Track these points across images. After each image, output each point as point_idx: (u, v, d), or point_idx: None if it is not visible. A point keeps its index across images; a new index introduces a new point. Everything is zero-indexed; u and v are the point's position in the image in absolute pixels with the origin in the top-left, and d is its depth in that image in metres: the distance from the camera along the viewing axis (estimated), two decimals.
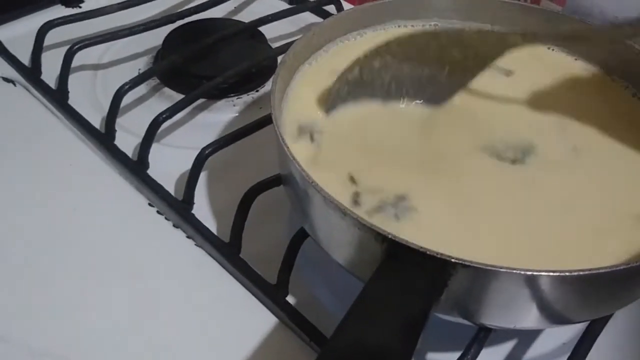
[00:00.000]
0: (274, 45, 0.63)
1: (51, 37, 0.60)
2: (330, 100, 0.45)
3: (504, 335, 0.43)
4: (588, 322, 0.40)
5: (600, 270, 0.32)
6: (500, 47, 0.47)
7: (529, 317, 0.35)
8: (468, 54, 0.46)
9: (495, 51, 0.47)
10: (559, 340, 0.43)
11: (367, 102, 0.46)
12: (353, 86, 0.45)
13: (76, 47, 0.57)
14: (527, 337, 0.43)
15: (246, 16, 0.67)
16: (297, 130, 0.44)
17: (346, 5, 0.68)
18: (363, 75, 0.46)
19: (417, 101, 0.47)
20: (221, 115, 0.57)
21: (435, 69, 0.46)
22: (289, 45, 0.45)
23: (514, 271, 0.32)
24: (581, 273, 0.32)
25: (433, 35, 0.47)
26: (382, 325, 0.30)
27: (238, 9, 0.70)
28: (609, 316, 0.40)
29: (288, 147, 0.38)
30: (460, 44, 0.46)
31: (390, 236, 0.33)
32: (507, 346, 0.43)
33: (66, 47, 0.58)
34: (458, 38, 0.47)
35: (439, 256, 0.32)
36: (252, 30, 0.62)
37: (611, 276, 0.33)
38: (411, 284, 0.32)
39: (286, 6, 0.70)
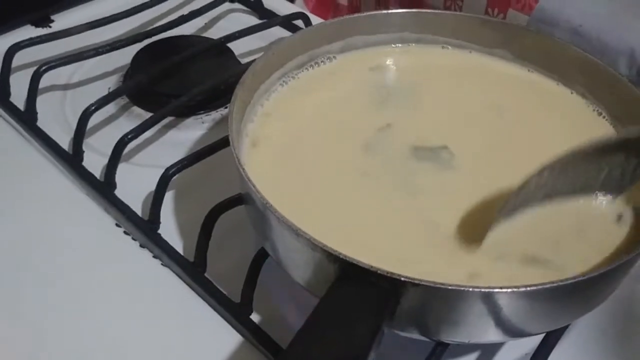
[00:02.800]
0: (244, 60, 0.64)
1: (20, 58, 0.61)
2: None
3: (466, 347, 0.44)
4: (545, 333, 0.41)
5: (547, 285, 0.33)
6: None
7: (482, 331, 0.36)
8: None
9: None
10: (522, 350, 0.44)
11: None
12: None
13: (43, 68, 0.57)
14: (489, 349, 0.44)
15: (215, 32, 0.68)
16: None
17: (314, 19, 0.69)
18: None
19: None
20: (190, 133, 0.58)
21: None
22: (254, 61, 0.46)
23: (463, 288, 0.33)
24: (529, 289, 0.33)
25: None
26: (332, 343, 0.31)
27: (207, 26, 0.70)
28: (566, 327, 0.41)
29: (244, 170, 0.38)
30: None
31: (341, 256, 0.34)
32: (470, 358, 0.43)
33: (34, 68, 0.58)
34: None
35: (388, 275, 0.33)
36: (220, 46, 0.63)
37: (561, 290, 0.34)
38: (362, 302, 0.33)
39: (256, 21, 0.70)
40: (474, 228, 0.40)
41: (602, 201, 0.42)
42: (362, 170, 0.43)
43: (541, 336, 0.41)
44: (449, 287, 0.33)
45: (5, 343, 0.43)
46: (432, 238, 0.40)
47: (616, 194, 0.42)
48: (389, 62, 0.52)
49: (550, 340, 0.40)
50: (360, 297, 0.33)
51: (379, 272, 0.33)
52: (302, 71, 0.50)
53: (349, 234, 0.39)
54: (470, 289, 0.33)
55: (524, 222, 0.40)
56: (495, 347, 0.44)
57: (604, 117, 0.48)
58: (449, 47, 0.53)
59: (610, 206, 0.42)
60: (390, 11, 0.51)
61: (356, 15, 0.51)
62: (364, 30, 0.51)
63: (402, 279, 0.33)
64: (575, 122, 0.48)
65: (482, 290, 0.33)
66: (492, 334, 0.36)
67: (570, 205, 0.41)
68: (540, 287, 0.33)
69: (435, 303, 0.34)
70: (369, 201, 0.42)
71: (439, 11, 0.55)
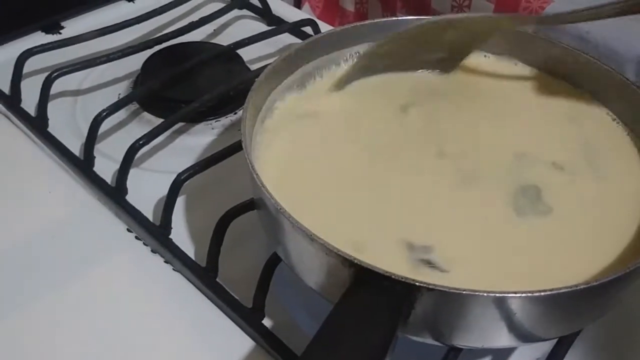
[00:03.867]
0: (253, 66, 0.64)
1: (31, 64, 0.61)
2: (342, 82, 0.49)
3: (478, 352, 0.44)
4: (557, 339, 0.41)
5: (561, 290, 0.33)
6: (489, 28, 0.50)
7: (495, 336, 0.36)
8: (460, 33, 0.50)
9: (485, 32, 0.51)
10: (534, 355, 0.44)
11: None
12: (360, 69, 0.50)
13: (54, 74, 0.58)
14: (500, 354, 0.44)
15: (224, 39, 0.68)
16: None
17: (323, 26, 0.69)
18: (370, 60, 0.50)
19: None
20: (200, 139, 0.58)
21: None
22: (266, 67, 0.46)
23: (477, 293, 0.33)
24: (543, 293, 0.33)
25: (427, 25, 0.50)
26: (347, 349, 0.31)
27: (217, 32, 0.71)
28: (578, 332, 0.41)
29: (258, 175, 0.38)
30: (454, 27, 0.50)
31: (356, 261, 0.34)
32: None
33: (46, 74, 0.58)
34: (449, 25, 0.50)
35: (403, 280, 0.33)
36: (229, 53, 0.63)
37: (574, 295, 0.34)
38: (377, 307, 0.33)
39: (264, 28, 0.71)
40: None
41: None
42: (377, 176, 0.44)
43: (553, 341, 0.41)
44: (463, 292, 0.33)
45: (15, 346, 0.43)
46: None
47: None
48: None
49: (563, 345, 0.40)
50: (375, 302, 0.33)
51: (393, 277, 0.33)
52: (314, 77, 0.50)
53: (362, 239, 0.39)
54: (485, 294, 0.33)
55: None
56: (506, 352, 0.44)
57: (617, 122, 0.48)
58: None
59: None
60: (400, 18, 0.51)
61: (367, 22, 0.51)
62: (374, 37, 0.51)
63: (417, 283, 0.33)
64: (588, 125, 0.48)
65: (496, 295, 0.33)
66: (505, 339, 0.36)
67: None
68: (553, 292, 0.33)
69: (449, 308, 0.34)
70: (382, 206, 0.42)
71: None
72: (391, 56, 0.51)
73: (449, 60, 0.52)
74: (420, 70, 0.52)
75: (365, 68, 0.51)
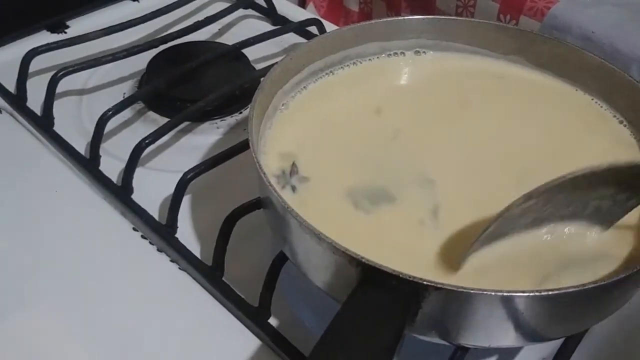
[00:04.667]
0: (258, 66, 0.64)
1: (36, 64, 0.61)
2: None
3: (483, 352, 0.44)
4: (564, 338, 0.41)
5: (569, 290, 0.33)
6: None
7: (502, 336, 0.36)
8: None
9: None
10: (540, 354, 0.44)
11: None
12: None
13: (60, 73, 0.58)
14: (506, 354, 0.44)
15: (229, 38, 0.68)
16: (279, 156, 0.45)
17: (328, 26, 0.69)
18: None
19: None
20: (205, 138, 0.58)
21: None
22: (271, 67, 0.46)
23: (485, 292, 0.33)
24: (551, 293, 0.33)
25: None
26: (355, 349, 0.31)
27: (222, 31, 0.71)
28: (585, 331, 0.41)
29: (265, 174, 0.39)
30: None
31: (364, 260, 0.34)
32: None
33: (51, 74, 0.59)
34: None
35: (411, 279, 0.33)
36: (235, 52, 0.63)
37: (581, 294, 0.34)
38: (384, 306, 0.33)
39: (269, 27, 0.71)
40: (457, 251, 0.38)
41: (590, 233, 0.40)
42: (380, 175, 0.44)
43: (560, 341, 0.41)
44: (471, 291, 0.33)
45: (19, 346, 0.43)
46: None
47: (605, 227, 0.40)
48: (406, 68, 0.52)
49: (570, 345, 0.41)
50: (383, 301, 0.33)
51: (401, 276, 0.33)
52: (320, 77, 0.50)
53: (369, 238, 0.39)
54: (492, 293, 0.33)
55: (506, 249, 0.38)
56: (513, 352, 0.44)
57: (624, 125, 0.48)
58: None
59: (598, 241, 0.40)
60: (406, 17, 0.51)
61: (374, 21, 0.51)
62: (381, 36, 0.51)
63: (425, 282, 0.33)
64: (593, 127, 0.48)
65: (504, 294, 0.33)
66: (512, 338, 0.36)
67: (557, 235, 0.39)
68: (560, 291, 0.33)
69: (456, 307, 0.34)
70: (387, 205, 0.42)
71: (455, 17, 0.55)
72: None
73: None
74: None
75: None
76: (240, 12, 0.72)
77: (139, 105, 0.61)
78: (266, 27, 0.72)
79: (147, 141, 0.51)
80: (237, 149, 0.50)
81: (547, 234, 0.39)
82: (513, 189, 0.37)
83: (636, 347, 0.44)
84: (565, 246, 0.39)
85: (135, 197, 0.52)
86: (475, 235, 0.37)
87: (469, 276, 0.37)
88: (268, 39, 0.64)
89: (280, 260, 0.43)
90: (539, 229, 0.39)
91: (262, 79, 0.45)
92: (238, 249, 0.47)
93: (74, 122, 0.59)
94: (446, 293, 0.33)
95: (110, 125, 0.55)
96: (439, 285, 0.33)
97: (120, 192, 0.52)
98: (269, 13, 0.73)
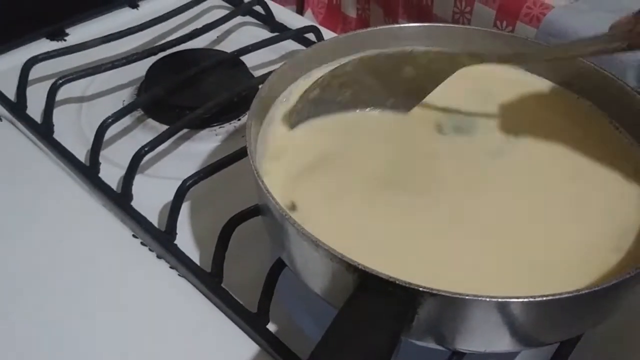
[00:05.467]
0: (256, 73, 0.65)
1: (36, 71, 0.62)
2: (294, 118, 0.47)
3: (479, 357, 0.44)
4: (559, 343, 0.41)
5: (563, 295, 0.34)
6: (450, 66, 0.48)
7: (498, 341, 0.36)
8: (419, 72, 0.49)
9: (445, 70, 0.49)
10: (535, 359, 0.44)
11: (329, 116, 0.49)
12: (314, 104, 0.48)
13: (60, 81, 0.58)
14: (503, 358, 0.44)
15: (228, 45, 0.69)
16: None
17: (326, 33, 0.70)
18: (324, 94, 0.48)
19: (377, 109, 0.50)
20: (204, 145, 0.59)
21: (392, 86, 0.49)
22: (269, 73, 0.47)
23: (480, 298, 0.33)
24: (545, 298, 0.33)
25: (386, 57, 0.50)
26: (351, 354, 0.32)
27: (220, 39, 0.71)
28: (580, 336, 0.41)
29: (263, 182, 0.39)
30: (413, 63, 0.49)
31: (360, 267, 0.34)
32: None
33: (51, 81, 0.59)
34: (410, 58, 0.49)
35: (407, 285, 0.33)
36: (233, 60, 0.64)
37: (576, 300, 0.34)
38: (381, 312, 0.34)
39: (268, 34, 0.71)
40: None
41: None
42: (381, 183, 0.44)
43: (555, 345, 0.42)
44: (466, 297, 0.33)
45: (20, 353, 0.43)
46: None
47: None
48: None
49: (565, 349, 0.41)
50: (379, 307, 0.34)
51: (397, 282, 0.34)
52: (317, 85, 0.50)
53: (367, 244, 0.39)
54: (487, 299, 0.33)
55: None
56: (509, 356, 0.44)
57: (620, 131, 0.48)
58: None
59: None
60: (403, 25, 0.52)
61: (370, 29, 0.52)
62: (378, 44, 0.52)
63: (421, 289, 0.33)
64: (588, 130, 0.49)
65: (499, 300, 0.33)
66: (507, 343, 0.37)
67: None
68: (555, 297, 0.34)
69: (452, 313, 0.34)
70: (386, 213, 0.42)
71: (451, 25, 0.55)
72: (344, 90, 0.49)
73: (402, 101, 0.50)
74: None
75: (318, 101, 0.48)
76: (239, 19, 0.73)
77: (138, 113, 0.61)
78: (264, 34, 0.72)
79: (146, 148, 0.52)
80: (236, 156, 0.51)
81: None
82: None
83: (631, 351, 0.45)
84: None
85: (134, 204, 0.52)
86: None
87: None
88: (266, 46, 0.65)
89: (279, 266, 0.43)
90: None
91: (260, 86, 0.46)
92: (237, 255, 0.47)
93: (73, 129, 0.59)
94: (442, 299, 0.34)
95: (109, 132, 0.55)
96: (434, 292, 0.33)
97: (119, 199, 0.52)
98: (267, 20, 0.74)
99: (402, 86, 0.49)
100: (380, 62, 0.49)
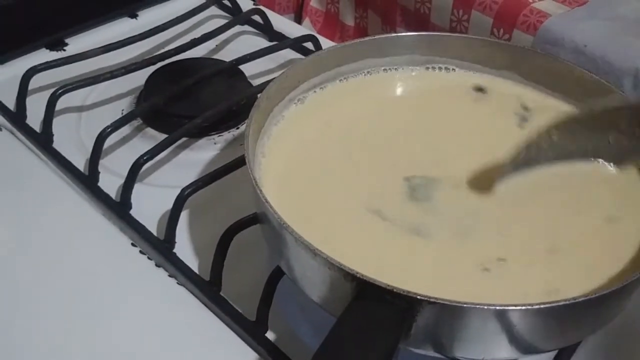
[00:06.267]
0: (255, 82, 0.65)
1: (36, 81, 0.62)
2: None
3: None
4: (557, 350, 0.41)
5: (561, 303, 0.34)
6: None
7: (496, 348, 0.37)
8: None
9: None
10: None
11: None
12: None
13: (59, 91, 0.59)
14: None
15: (226, 54, 0.69)
16: None
17: (324, 42, 0.70)
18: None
19: None
20: (202, 154, 0.59)
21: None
22: (268, 82, 0.47)
23: (478, 306, 0.33)
24: (542, 306, 0.34)
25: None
26: None
27: (219, 48, 0.72)
28: (578, 343, 0.42)
29: (261, 191, 0.39)
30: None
31: (358, 275, 0.34)
32: None
33: (50, 91, 0.59)
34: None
35: (405, 294, 0.34)
36: (232, 69, 0.64)
37: (574, 307, 0.35)
38: (379, 320, 0.34)
39: (266, 43, 0.72)
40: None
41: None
42: (377, 190, 0.44)
43: (554, 352, 0.42)
44: (464, 305, 0.33)
45: (30, 354, 0.44)
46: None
47: (622, 162, 0.43)
48: (400, 84, 0.53)
49: (563, 357, 0.41)
50: (377, 315, 0.34)
51: (395, 290, 0.34)
52: (315, 93, 0.51)
53: (364, 253, 0.40)
54: (485, 307, 0.33)
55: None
56: None
57: None
58: (456, 69, 0.54)
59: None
60: (400, 34, 0.52)
61: (368, 38, 0.52)
62: (375, 53, 0.52)
63: (419, 297, 0.33)
64: None
65: (497, 307, 0.34)
66: (505, 351, 0.37)
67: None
68: (553, 304, 0.34)
69: (450, 320, 0.35)
70: (383, 220, 0.42)
71: (448, 34, 0.56)
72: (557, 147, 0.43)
73: None
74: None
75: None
76: (237, 28, 0.73)
77: (137, 122, 0.61)
78: (263, 43, 0.72)
79: (145, 157, 0.52)
80: (234, 164, 0.51)
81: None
82: None
83: (630, 357, 0.45)
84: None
85: (133, 212, 0.52)
86: None
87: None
88: (264, 55, 0.65)
89: (277, 274, 0.44)
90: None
91: (258, 95, 0.46)
92: (235, 263, 0.47)
93: (73, 139, 0.60)
94: (440, 307, 0.34)
95: (109, 141, 0.56)
96: (432, 300, 0.33)
97: (118, 208, 0.52)
98: (266, 29, 0.74)
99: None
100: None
